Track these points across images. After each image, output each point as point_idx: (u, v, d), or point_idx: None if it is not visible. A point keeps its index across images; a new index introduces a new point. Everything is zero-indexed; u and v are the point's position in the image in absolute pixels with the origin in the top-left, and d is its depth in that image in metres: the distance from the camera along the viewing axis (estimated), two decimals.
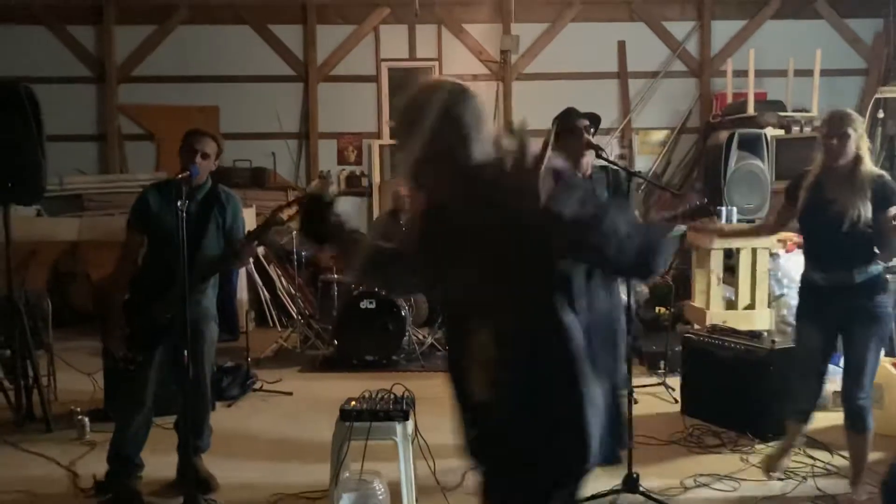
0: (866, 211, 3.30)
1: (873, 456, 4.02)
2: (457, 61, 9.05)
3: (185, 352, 3.34)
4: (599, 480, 3.75)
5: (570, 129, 4.00)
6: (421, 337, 6.51)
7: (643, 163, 9.01)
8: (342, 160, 9.12)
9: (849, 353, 3.51)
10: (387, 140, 9.18)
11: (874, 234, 3.34)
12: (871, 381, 3.51)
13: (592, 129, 4.04)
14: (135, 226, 3.70)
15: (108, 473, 3.73)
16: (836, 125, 3.39)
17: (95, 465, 3.99)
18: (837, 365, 5.09)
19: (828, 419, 4.57)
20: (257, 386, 5.59)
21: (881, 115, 8.26)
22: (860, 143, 3.38)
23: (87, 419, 4.57)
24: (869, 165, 3.42)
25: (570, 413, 1.79)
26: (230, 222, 3.74)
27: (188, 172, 3.40)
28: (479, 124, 1.84)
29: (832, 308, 3.46)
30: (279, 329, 7.49)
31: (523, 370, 1.80)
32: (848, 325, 3.47)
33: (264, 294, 7.93)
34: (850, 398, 3.50)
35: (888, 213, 3.27)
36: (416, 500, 3.42)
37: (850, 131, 3.36)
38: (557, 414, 1.80)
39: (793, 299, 5.80)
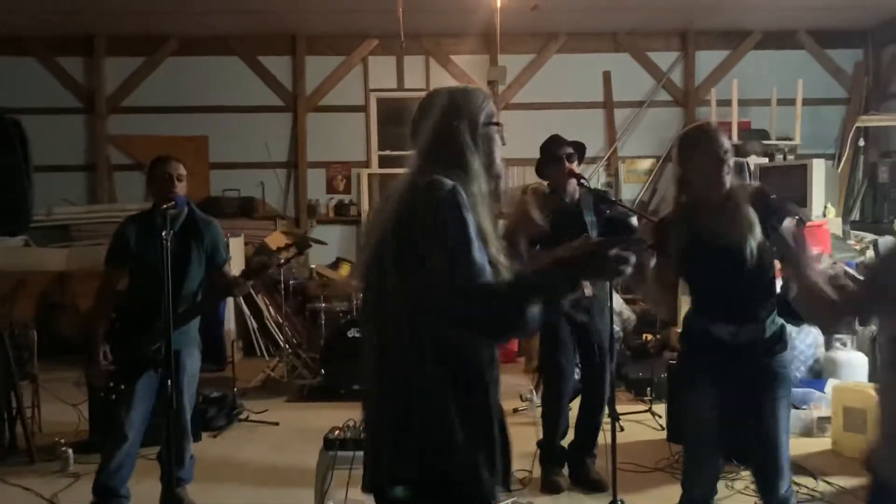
0: (760, 237, 2.69)
1: (857, 481, 4.05)
2: None
3: (170, 381, 3.35)
4: None
5: (554, 157, 4.07)
6: None
7: (630, 191, 9.11)
8: (331, 189, 9.18)
9: (757, 430, 2.76)
10: (375, 169, 9.24)
11: (784, 261, 2.57)
12: (789, 461, 2.80)
13: (577, 158, 4.10)
14: (113, 262, 3.70)
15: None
16: (721, 140, 2.76)
17: (79, 498, 3.96)
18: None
19: (811, 445, 4.61)
20: (243, 416, 5.57)
21: (862, 143, 8.41)
22: None
23: (71, 451, 4.53)
24: (742, 182, 2.92)
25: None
26: (211, 249, 3.74)
27: (174, 202, 3.42)
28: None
29: (735, 371, 2.76)
30: (267, 359, 7.48)
31: None
32: (752, 393, 2.76)
33: (252, 323, 7.92)
34: (769, 490, 2.77)
35: (785, 226, 2.69)
36: None
37: (730, 146, 2.80)
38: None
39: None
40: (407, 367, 1.79)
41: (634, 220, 4.15)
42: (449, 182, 1.79)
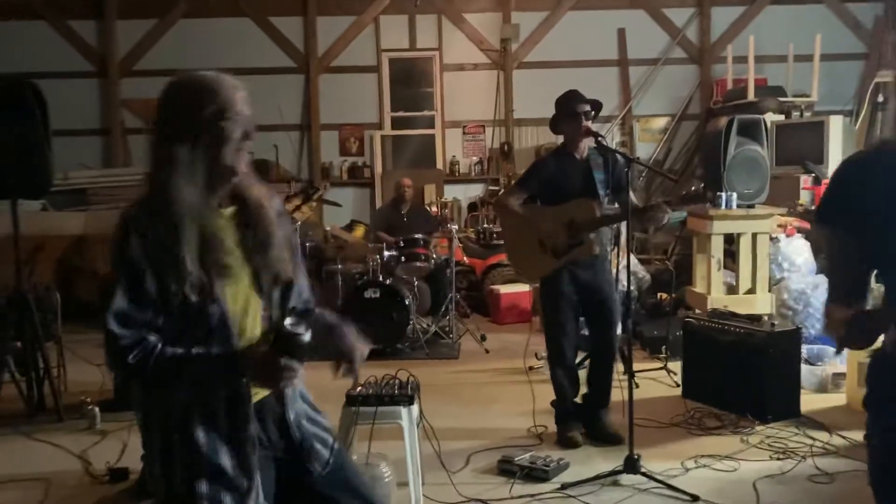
0: None
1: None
2: (457, 50, 9.09)
3: None
4: (601, 462, 3.83)
5: (571, 114, 4.06)
6: (425, 325, 6.57)
7: (644, 150, 9.07)
8: (344, 151, 9.18)
9: None
10: (388, 131, 9.23)
11: None
12: None
13: (594, 115, 4.09)
14: None
15: (142, 457, 3.75)
16: None
17: (107, 454, 4.07)
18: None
19: (827, 400, 4.66)
20: None
21: (881, 98, 8.29)
22: None
23: (97, 409, 4.63)
24: None
25: None
26: None
27: None
28: None
29: None
30: None
31: None
32: None
33: None
34: None
35: None
36: (423, 482, 3.49)
37: None
38: None
39: (793, 283, 5.87)
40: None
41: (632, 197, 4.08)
42: (127, 215, 1.72)
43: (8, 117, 4.59)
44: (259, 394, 1.85)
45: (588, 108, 4.03)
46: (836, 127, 7.07)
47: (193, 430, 1.76)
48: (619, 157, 4.07)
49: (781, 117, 7.72)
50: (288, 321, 1.68)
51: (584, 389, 4.28)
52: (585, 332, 4.45)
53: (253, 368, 1.70)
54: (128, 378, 1.79)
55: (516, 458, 3.76)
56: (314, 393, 2.10)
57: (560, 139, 4.30)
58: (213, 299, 1.72)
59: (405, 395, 3.28)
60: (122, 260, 1.69)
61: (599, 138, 3.92)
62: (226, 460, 1.77)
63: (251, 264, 1.82)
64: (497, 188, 9.03)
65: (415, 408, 3.37)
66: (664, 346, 5.59)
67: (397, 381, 3.35)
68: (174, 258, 1.68)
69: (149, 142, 1.79)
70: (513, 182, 4.24)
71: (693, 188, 4.09)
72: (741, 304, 5.35)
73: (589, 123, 4.04)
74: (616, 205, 4.15)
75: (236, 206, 1.85)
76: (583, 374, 4.31)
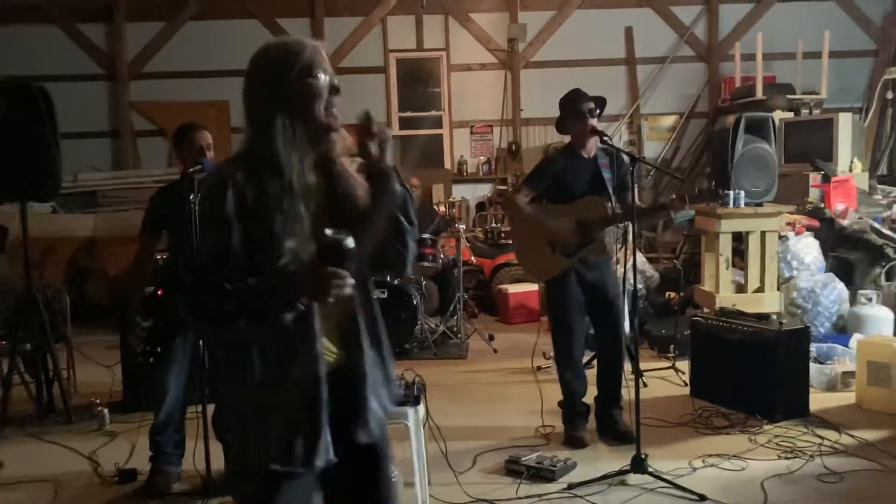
0: None
1: (881, 434, 4.08)
2: (464, 51, 9.09)
3: (201, 341, 3.43)
4: (608, 462, 3.82)
5: (577, 113, 4.05)
6: (433, 325, 6.57)
7: (652, 149, 9.04)
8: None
9: None
10: (396, 131, 9.23)
11: None
12: None
13: (598, 112, 4.08)
14: (147, 231, 3.78)
15: (150, 458, 3.76)
16: None
17: (116, 455, 4.08)
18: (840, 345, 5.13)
19: (836, 399, 4.63)
20: None
21: (890, 95, 8.25)
22: None
23: (106, 410, 4.66)
24: None
25: None
26: None
27: (200, 166, 3.45)
28: None
29: None
30: None
31: None
32: None
33: None
34: None
35: None
36: (429, 482, 3.49)
37: None
38: None
39: (802, 281, 5.84)
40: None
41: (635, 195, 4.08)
42: (225, 172, 1.78)
43: (17, 120, 4.62)
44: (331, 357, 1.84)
45: (592, 105, 4.02)
46: (845, 124, 7.04)
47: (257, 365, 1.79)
48: (623, 156, 4.07)
49: (790, 115, 7.69)
50: (329, 231, 1.68)
51: (593, 390, 4.27)
52: (591, 331, 4.46)
53: (303, 282, 1.69)
54: (199, 320, 1.84)
55: (523, 459, 3.75)
56: None
57: (566, 139, 4.30)
58: (298, 262, 1.74)
59: (411, 395, 3.29)
60: (212, 215, 1.75)
61: (605, 138, 3.91)
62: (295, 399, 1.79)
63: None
64: (505, 188, 9.02)
65: (421, 408, 3.37)
66: (672, 345, 5.57)
67: (403, 382, 3.35)
68: (268, 222, 1.72)
69: (244, 110, 1.85)
70: (521, 179, 4.23)
71: (705, 186, 4.08)
72: (750, 303, 5.33)
73: (594, 122, 4.03)
74: (620, 204, 4.13)
75: (323, 174, 1.87)
76: (591, 373, 4.30)
